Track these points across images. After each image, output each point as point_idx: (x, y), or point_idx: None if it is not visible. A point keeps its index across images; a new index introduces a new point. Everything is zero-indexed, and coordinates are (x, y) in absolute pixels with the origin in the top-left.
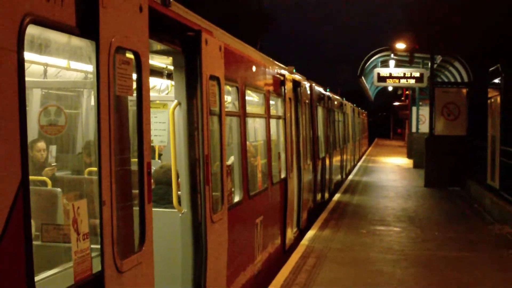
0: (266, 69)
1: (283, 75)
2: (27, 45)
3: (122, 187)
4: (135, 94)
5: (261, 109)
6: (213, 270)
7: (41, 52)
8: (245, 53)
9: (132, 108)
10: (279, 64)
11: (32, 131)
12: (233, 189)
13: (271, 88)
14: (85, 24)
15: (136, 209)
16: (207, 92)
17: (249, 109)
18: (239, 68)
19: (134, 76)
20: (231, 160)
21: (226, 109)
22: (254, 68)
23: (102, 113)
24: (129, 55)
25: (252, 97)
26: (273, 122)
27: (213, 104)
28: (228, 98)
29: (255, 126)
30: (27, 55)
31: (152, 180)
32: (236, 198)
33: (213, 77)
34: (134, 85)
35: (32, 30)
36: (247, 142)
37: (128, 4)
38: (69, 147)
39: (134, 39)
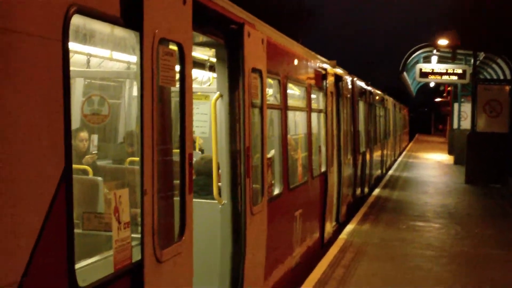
0: (308, 63)
1: (325, 69)
2: (72, 35)
3: (163, 177)
4: (178, 85)
5: (302, 102)
6: (251, 261)
7: (86, 42)
8: (287, 46)
9: (174, 99)
10: (321, 58)
11: (75, 120)
12: (273, 182)
13: (312, 81)
14: (130, 15)
15: (176, 199)
16: (249, 84)
17: (290, 102)
18: (281, 61)
19: (178, 67)
20: (271, 152)
21: (267, 102)
22: (296, 62)
23: (145, 103)
24: (173, 47)
25: (293, 91)
26: (314, 115)
27: (255, 97)
28: (269, 91)
29: (296, 120)
30: (72, 45)
31: (193, 171)
32: (276, 191)
33: (255, 70)
34: (177, 76)
35: (77, 20)
36: (288, 135)
37: None
38: (111, 136)
39: (178, 31)
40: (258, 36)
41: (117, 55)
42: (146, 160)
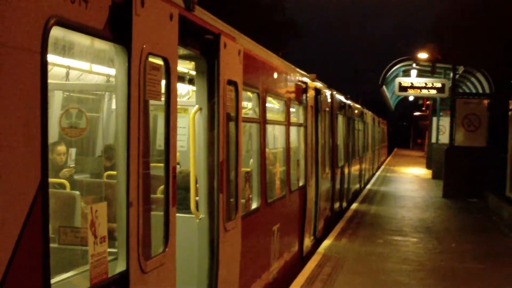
0: (288, 76)
1: (305, 83)
2: (51, 47)
3: (148, 190)
4: (163, 99)
5: (281, 116)
6: (225, 278)
7: (65, 54)
8: (266, 59)
9: (152, 112)
10: (301, 71)
11: (53, 134)
12: (251, 196)
13: (291, 95)
14: (116, 29)
15: (156, 213)
16: (224, 97)
17: (269, 116)
18: (260, 74)
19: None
20: (250, 166)
21: (246, 115)
22: (275, 75)
23: (132, 117)
24: (159, 61)
25: (272, 104)
26: (293, 129)
27: (230, 110)
28: (248, 105)
29: (275, 133)
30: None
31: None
32: (254, 205)
33: (231, 82)
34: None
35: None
36: (267, 149)
37: (159, 12)
38: (89, 150)
39: (164, 46)
40: (235, 47)
41: (97, 68)
42: (132, 173)
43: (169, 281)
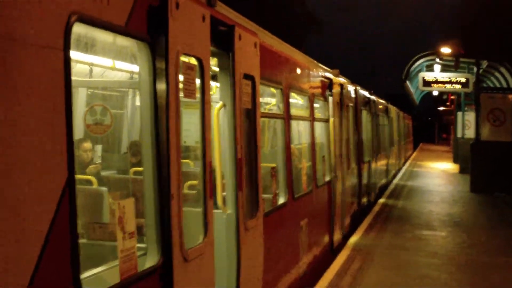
0: (311, 72)
1: (329, 78)
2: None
3: (182, 184)
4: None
5: (305, 111)
6: (247, 276)
7: (87, 51)
8: (289, 54)
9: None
10: (324, 67)
11: (79, 131)
12: (277, 191)
13: (316, 90)
14: (155, 31)
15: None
16: (240, 91)
17: (293, 111)
18: (283, 69)
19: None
20: (275, 162)
21: (270, 111)
22: (299, 70)
23: (170, 115)
24: (193, 61)
25: (297, 100)
26: (317, 125)
27: (247, 104)
28: (272, 100)
29: (300, 129)
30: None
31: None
32: (281, 200)
33: (247, 76)
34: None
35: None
36: (292, 145)
37: (193, 15)
38: (114, 147)
39: (198, 47)
40: (251, 39)
41: (121, 64)
42: (172, 167)
43: (209, 269)
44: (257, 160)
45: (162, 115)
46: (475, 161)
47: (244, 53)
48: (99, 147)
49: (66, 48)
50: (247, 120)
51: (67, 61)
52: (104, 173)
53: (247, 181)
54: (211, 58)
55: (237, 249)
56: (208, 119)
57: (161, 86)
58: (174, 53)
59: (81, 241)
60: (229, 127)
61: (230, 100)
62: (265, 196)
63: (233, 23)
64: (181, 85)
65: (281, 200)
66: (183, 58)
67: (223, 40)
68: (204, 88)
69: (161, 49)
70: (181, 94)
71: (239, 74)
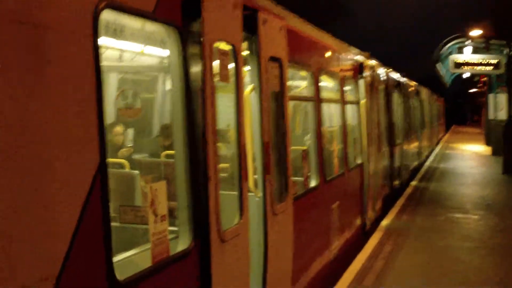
0: (342, 55)
1: (359, 61)
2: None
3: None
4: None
5: (336, 94)
6: (274, 265)
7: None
8: (318, 37)
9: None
10: (355, 49)
11: (110, 115)
12: (309, 174)
13: (347, 73)
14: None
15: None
16: (266, 74)
17: (325, 94)
18: (312, 52)
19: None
20: (306, 144)
21: (300, 95)
22: (329, 53)
23: (207, 99)
24: (228, 47)
25: (327, 83)
26: (349, 107)
27: (275, 87)
28: (302, 83)
29: (331, 112)
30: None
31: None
32: (312, 183)
33: (274, 59)
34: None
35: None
36: (323, 128)
37: (227, 2)
38: (145, 130)
39: (230, 32)
40: (277, 23)
41: (151, 49)
42: (210, 150)
43: (244, 250)
44: (286, 144)
45: (199, 98)
46: (508, 143)
47: (270, 36)
48: (130, 131)
49: (95, 34)
50: (275, 103)
51: (96, 47)
52: (136, 157)
53: (275, 164)
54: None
55: (264, 234)
56: (241, 103)
57: (197, 70)
58: (208, 40)
59: (113, 224)
60: (256, 110)
61: (257, 83)
62: (296, 179)
63: (258, 7)
64: (215, 70)
65: (312, 183)
66: (217, 44)
67: (250, 24)
68: (238, 73)
69: (195, 36)
70: (216, 79)
71: (264, 57)
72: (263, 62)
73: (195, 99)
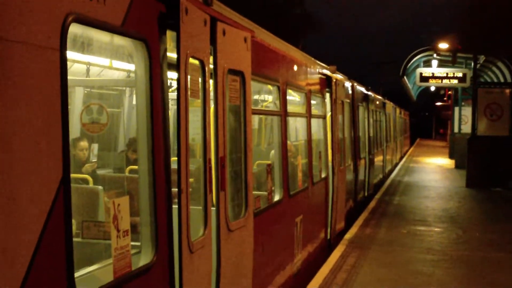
0: (308, 68)
1: (325, 75)
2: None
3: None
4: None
5: (302, 108)
6: (229, 282)
7: (84, 51)
8: (285, 51)
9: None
10: (321, 63)
11: (75, 129)
12: (273, 188)
13: (312, 87)
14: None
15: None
16: (224, 87)
17: (290, 108)
18: (279, 65)
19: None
20: (270, 159)
21: (267, 108)
22: (295, 67)
23: (181, 115)
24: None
25: (294, 96)
26: (314, 121)
27: (234, 101)
28: (269, 97)
29: (297, 126)
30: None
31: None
32: (276, 197)
33: (234, 72)
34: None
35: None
36: (288, 142)
37: (198, 19)
38: (111, 145)
39: (200, 49)
40: (240, 34)
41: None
42: (182, 164)
43: (208, 261)
44: (246, 159)
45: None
46: (471, 156)
47: (230, 48)
48: (95, 146)
49: (63, 48)
50: (234, 117)
51: (63, 60)
52: (100, 172)
53: (232, 180)
54: None
55: (217, 250)
56: (208, 117)
57: (173, 85)
58: (184, 55)
59: (76, 239)
60: (213, 124)
61: (213, 96)
62: (260, 193)
63: (218, 17)
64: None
65: (276, 197)
66: (190, 60)
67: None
68: (205, 87)
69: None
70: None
71: (222, 69)
72: (220, 74)
73: (166, 113)
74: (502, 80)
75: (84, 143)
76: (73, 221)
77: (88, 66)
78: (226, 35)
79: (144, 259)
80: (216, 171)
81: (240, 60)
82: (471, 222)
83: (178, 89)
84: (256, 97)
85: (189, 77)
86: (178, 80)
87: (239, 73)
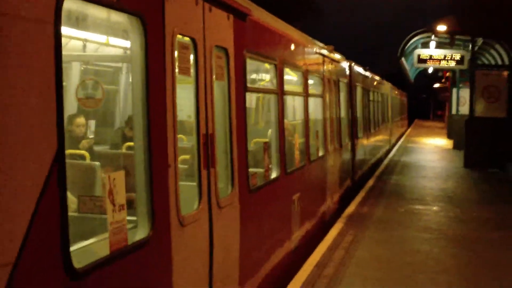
0: (305, 48)
1: (323, 54)
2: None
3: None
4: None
5: (299, 87)
6: (221, 255)
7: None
8: (283, 31)
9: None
10: (318, 43)
11: (72, 106)
12: (270, 166)
13: (310, 66)
14: None
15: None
16: (209, 64)
17: (288, 87)
18: (275, 44)
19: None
20: (268, 137)
21: (264, 87)
22: (292, 46)
23: (167, 92)
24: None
25: (291, 76)
26: (311, 100)
27: (220, 77)
28: (266, 76)
29: (295, 105)
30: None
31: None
32: (273, 175)
33: (219, 48)
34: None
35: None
36: (285, 120)
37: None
38: (108, 122)
39: (192, 26)
40: (222, 12)
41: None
42: (170, 140)
43: (204, 235)
44: (232, 136)
45: (160, 89)
46: (469, 137)
47: (216, 25)
48: (92, 122)
49: (57, 22)
50: (220, 94)
51: (58, 35)
52: (97, 148)
53: (220, 158)
54: None
55: (209, 227)
56: (202, 94)
57: (158, 62)
58: (170, 32)
59: (73, 214)
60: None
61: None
62: (257, 170)
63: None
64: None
65: (273, 175)
66: (179, 37)
67: None
68: (197, 65)
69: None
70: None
71: (209, 46)
72: (200, 50)
73: (156, 89)
74: (500, 62)
75: (81, 119)
76: (72, 197)
77: (84, 42)
78: (212, 13)
79: (140, 234)
80: (206, 148)
81: (224, 37)
82: (468, 202)
83: (164, 66)
84: (254, 76)
85: (176, 54)
86: (165, 57)
87: (224, 50)
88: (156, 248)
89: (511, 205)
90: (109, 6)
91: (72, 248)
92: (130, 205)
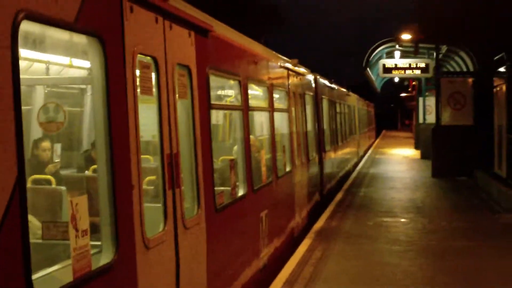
0: (269, 62)
1: (287, 68)
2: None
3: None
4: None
5: (264, 102)
6: (187, 275)
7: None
8: (247, 46)
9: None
10: (282, 57)
11: (37, 130)
12: (237, 183)
13: (274, 81)
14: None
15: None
16: (173, 82)
17: (253, 103)
18: (239, 60)
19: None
20: (234, 153)
21: (229, 103)
22: (256, 61)
23: (129, 112)
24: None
25: (255, 91)
26: (277, 115)
27: (183, 96)
28: (231, 92)
29: (261, 120)
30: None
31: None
32: (240, 192)
33: (181, 66)
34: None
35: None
36: (251, 136)
37: (146, 17)
38: (73, 145)
39: (153, 47)
40: (183, 30)
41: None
42: (133, 160)
43: (170, 258)
44: (197, 155)
45: (122, 109)
46: (436, 146)
47: (176, 43)
48: (58, 146)
49: (14, 46)
50: (184, 112)
51: (15, 59)
52: (64, 172)
53: (186, 177)
54: None
55: (175, 248)
56: (165, 114)
57: (119, 83)
58: (131, 52)
59: (36, 241)
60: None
61: (164, 91)
62: (224, 189)
63: (171, 10)
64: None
65: (240, 193)
66: (140, 56)
67: None
68: (159, 84)
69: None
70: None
71: (171, 64)
72: (170, 69)
73: (117, 110)
74: (464, 69)
75: (46, 144)
76: (37, 223)
77: (47, 65)
78: (172, 30)
79: (104, 259)
80: (170, 168)
81: (186, 55)
82: (437, 212)
83: (125, 86)
84: (219, 92)
85: (137, 73)
86: (125, 77)
87: (186, 67)
88: (121, 273)
89: (479, 213)
90: (66, 28)
91: (34, 276)
92: (95, 229)
